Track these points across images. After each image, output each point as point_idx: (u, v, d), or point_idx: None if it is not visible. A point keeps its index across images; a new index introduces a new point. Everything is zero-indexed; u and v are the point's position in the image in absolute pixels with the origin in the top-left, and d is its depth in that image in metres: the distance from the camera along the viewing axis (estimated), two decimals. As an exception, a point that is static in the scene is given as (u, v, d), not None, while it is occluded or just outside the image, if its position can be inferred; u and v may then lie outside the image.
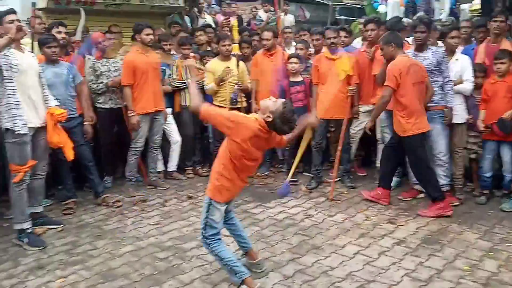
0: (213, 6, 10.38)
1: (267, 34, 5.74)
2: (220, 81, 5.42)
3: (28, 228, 4.00)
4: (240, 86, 5.55)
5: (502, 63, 4.59)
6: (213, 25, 8.34)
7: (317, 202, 4.93)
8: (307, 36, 6.47)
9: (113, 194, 5.14)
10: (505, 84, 4.61)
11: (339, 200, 4.98)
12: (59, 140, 4.10)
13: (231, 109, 5.35)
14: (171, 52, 5.91)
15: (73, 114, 4.69)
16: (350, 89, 5.20)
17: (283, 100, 3.06)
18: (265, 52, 5.76)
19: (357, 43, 6.33)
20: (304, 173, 5.83)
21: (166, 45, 5.81)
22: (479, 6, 12.12)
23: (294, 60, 5.50)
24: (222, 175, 3.07)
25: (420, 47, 4.70)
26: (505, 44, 4.92)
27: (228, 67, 5.40)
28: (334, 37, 5.32)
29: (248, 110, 5.53)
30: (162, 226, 4.38)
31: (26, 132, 3.84)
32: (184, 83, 5.71)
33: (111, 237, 4.14)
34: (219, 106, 5.48)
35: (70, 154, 4.22)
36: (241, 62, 5.64)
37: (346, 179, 5.43)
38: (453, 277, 3.31)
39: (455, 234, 4.03)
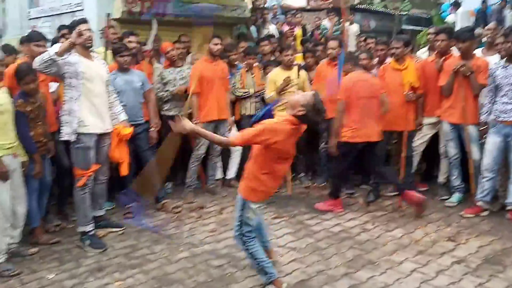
0: (278, 16, 10.46)
1: (333, 43, 5.72)
2: (281, 91, 5.47)
3: (90, 231, 4.20)
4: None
5: None
6: (277, 35, 8.42)
7: (374, 216, 4.83)
8: (371, 43, 6.37)
9: (173, 200, 5.29)
10: None
11: (399, 214, 4.86)
12: (120, 156, 4.35)
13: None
14: (235, 62, 6.04)
15: (139, 120, 4.93)
16: (407, 94, 5.08)
17: (311, 92, 3.18)
18: (330, 62, 5.74)
19: (422, 53, 6.15)
20: (362, 185, 5.72)
21: (231, 55, 5.94)
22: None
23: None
24: (257, 178, 3.16)
25: (510, 59, 4.51)
26: None
27: (289, 77, 5.43)
28: (397, 48, 5.21)
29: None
30: (218, 233, 4.45)
31: (84, 132, 4.01)
32: (247, 92, 5.82)
33: (168, 243, 4.25)
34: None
35: (124, 170, 4.42)
36: (302, 71, 5.66)
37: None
38: None
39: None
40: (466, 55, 4.91)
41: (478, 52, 5.28)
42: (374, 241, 4.21)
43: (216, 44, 5.33)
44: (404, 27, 14.95)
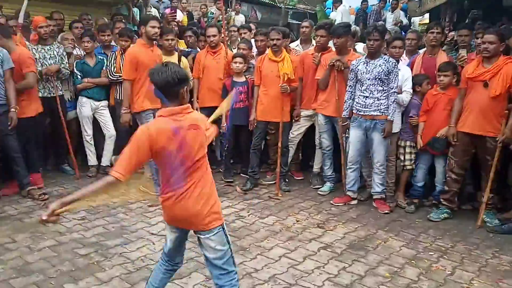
0: (163, 0, 10.18)
1: (212, 30, 5.68)
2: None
3: None
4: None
5: (445, 75, 4.64)
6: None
7: (250, 204, 4.93)
8: (247, 35, 6.44)
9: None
10: (446, 97, 4.65)
11: (274, 202, 5.01)
12: None
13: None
14: (111, 43, 5.73)
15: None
16: (281, 86, 5.14)
17: None
18: (209, 50, 5.70)
19: (295, 46, 6.31)
20: (241, 174, 5.81)
21: (104, 35, 5.62)
22: (428, 21, 12.69)
23: (239, 59, 5.45)
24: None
25: (373, 55, 4.70)
26: (442, 56, 5.05)
27: (169, 62, 5.27)
28: (278, 39, 5.26)
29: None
30: (88, 221, 4.25)
31: None
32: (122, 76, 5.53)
33: (32, 231, 3.97)
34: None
35: None
36: (183, 58, 5.55)
37: (282, 182, 5.46)
38: (373, 284, 3.36)
39: (381, 241, 4.11)
40: (342, 50, 5.09)
41: (360, 48, 5.54)
42: (248, 228, 4.29)
43: (153, 27, 4.85)
44: (290, 21, 15.51)
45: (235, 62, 5.46)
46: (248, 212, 4.70)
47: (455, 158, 4.54)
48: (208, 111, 5.68)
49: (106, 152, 5.65)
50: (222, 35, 5.85)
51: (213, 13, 10.73)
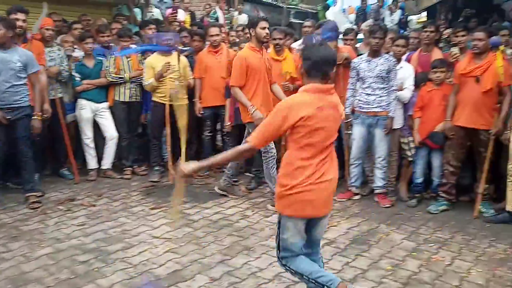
0: (165, 0, 10.12)
1: (214, 30, 5.63)
2: (160, 77, 5.23)
3: None
4: (181, 82, 5.39)
5: (441, 71, 4.70)
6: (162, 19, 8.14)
7: (255, 203, 4.84)
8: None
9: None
10: (440, 93, 4.72)
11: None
12: None
13: (171, 106, 5.21)
14: (110, 44, 5.67)
15: (16, 104, 4.44)
16: (284, 84, 5.11)
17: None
18: (210, 49, 5.64)
19: (298, 45, 6.26)
20: (245, 173, 5.73)
21: (103, 36, 5.56)
22: (425, 19, 12.75)
23: None
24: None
25: (375, 53, 4.74)
26: (436, 53, 5.14)
27: (169, 62, 5.22)
28: (280, 38, 5.23)
29: (190, 107, 5.39)
30: (87, 227, 4.15)
31: None
32: (122, 77, 5.48)
33: (28, 239, 3.87)
34: (159, 103, 5.34)
35: None
36: (183, 57, 5.47)
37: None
38: (376, 277, 3.34)
39: (383, 235, 4.09)
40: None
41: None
42: (252, 227, 4.21)
43: (263, 28, 4.50)
44: (292, 20, 15.46)
45: None
46: (252, 211, 4.61)
47: (452, 151, 4.64)
48: (211, 110, 5.71)
49: (107, 155, 5.57)
50: (223, 35, 5.78)
51: (216, 12, 10.68)
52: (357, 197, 5.02)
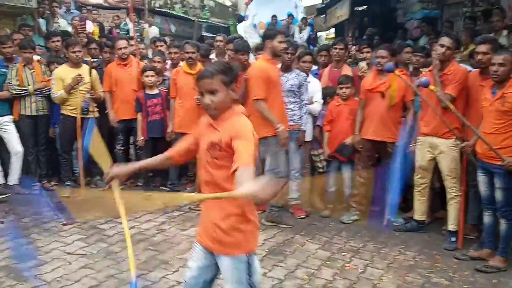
0: (72, 11, 9.78)
1: (121, 43, 5.61)
2: (71, 89, 5.10)
3: None
4: (93, 95, 5.30)
5: (346, 87, 4.96)
6: (69, 30, 7.87)
7: (171, 216, 4.85)
8: (164, 47, 6.43)
9: None
10: (348, 107, 4.97)
11: (194, 213, 4.98)
12: None
13: (82, 119, 5.09)
14: (13, 55, 5.40)
15: None
16: (197, 97, 5.07)
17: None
18: (119, 62, 5.61)
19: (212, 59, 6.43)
20: (161, 187, 5.71)
21: (5, 47, 5.28)
22: (333, 35, 13.49)
23: (150, 73, 5.42)
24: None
25: (286, 68, 4.86)
26: (346, 69, 5.42)
27: (80, 75, 5.10)
28: (193, 52, 5.32)
29: (100, 121, 5.29)
30: (-4, 245, 3.93)
31: None
32: (26, 90, 5.26)
33: None
34: (69, 116, 5.19)
35: None
36: (93, 70, 5.37)
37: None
38: (293, 286, 3.44)
39: (298, 245, 4.23)
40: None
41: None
42: (169, 241, 4.23)
43: (281, 42, 4.41)
44: (204, 33, 15.60)
45: (147, 76, 5.41)
46: (169, 225, 4.63)
47: (361, 163, 4.83)
48: (124, 123, 5.64)
49: (13, 170, 5.28)
50: (134, 47, 5.77)
51: (127, 24, 10.51)
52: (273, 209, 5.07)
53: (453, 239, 4.23)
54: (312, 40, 13.94)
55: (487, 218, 3.95)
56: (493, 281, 3.64)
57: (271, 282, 3.51)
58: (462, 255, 4.02)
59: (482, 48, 3.99)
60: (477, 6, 8.35)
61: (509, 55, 3.67)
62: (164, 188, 5.59)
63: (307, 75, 5.11)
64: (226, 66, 2.19)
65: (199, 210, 4.91)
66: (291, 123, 4.81)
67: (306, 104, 4.91)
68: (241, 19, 14.98)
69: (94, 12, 9.78)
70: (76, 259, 3.73)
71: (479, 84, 4.06)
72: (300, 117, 4.86)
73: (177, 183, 5.51)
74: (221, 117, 2.16)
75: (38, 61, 5.49)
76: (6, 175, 5.34)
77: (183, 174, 5.86)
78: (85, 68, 5.23)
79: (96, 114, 5.36)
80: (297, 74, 4.88)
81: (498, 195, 3.74)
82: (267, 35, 4.51)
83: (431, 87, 3.96)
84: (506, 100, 3.62)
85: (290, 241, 4.33)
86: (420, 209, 4.55)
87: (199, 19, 16.36)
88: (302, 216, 4.95)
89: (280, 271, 3.69)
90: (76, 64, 5.26)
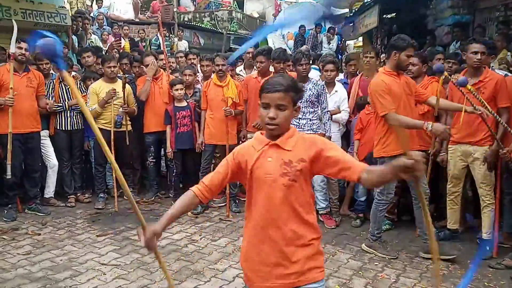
0: (104, 27, 10.10)
1: (148, 60, 5.77)
2: (105, 103, 5.26)
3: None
4: (126, 109, 5.44)
5: None
6: (101, 46, 8.13)
7: (202, 227, 4.92)
8: (196, 60, 6.54)
9: None
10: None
11: (225, 224, 5.03)
12: None
13: (116, 132, 5.24)
14: (50, 71, 5.62)
15: None
16: (224, 109, 5.23)
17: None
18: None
19: (239, 71, 6.49)
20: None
21: (42, 64, 5.49)
22: (361, 43, 13.36)
23: (179, 86, 5.52)
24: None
25: (304, 79, 4.89)
26: None
27: (114, 89, 5.27)
28: (223, 65, 5.39)
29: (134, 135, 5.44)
30: (33, 256, 4.07)
31: None
32: (61, 106, 5.46)
33: (-31, 270, 3.74)
34: (103, 129, 5.33)
35: None
36: (127, 85, 5.53)
37: (232, 203, 5.49)
38: None
39: (329, 255, 4.21)
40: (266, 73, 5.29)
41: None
42: (200, 251, 4.28)
43: (408, 56, 4.08)
44: (233, 45, 15.77)
45: (176, 90, 5.51)
46: (200, 235, 4.68)
47: None
48: (155, 136, 5.75)
49: (49, 183, 5.47)
50: (164, 61, 5.90)
51: (158, 39, 10.75)
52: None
53: (488, 247, 4.13)
54: (341, 49, 13.89)
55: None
56: (531, 291, 3.52)
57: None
58: (497, 264, 3.95)
59: None
60: (511, 10, 8.14)
61: None
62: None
63: (333, 84, 5.14)
64: (296, 84, 2.02)
65: (230, 221, 5.04)
66: (310, 132, 4.84)
67: (327, 112, 4.95)
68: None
69: (125, 28, 10.05)
70: (110, 270, 3.81)
71: None
72: (318, 126, 4.91)
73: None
74: (284, 136, 1.98)
75: (73, 77, 5.68)
76: (42, 188, 5.51)
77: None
78: (119, 83, 5.40)
79: (129, 128, 5.50)
80: (314, 84, 4.93)
81: None
82: (396, 46, 4.04)
83: (469, 86, 3.86)
84: None
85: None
86: (452, 218, 4.49)
87: (228, 32, 16.55)
88: (333, 226, 4.93)
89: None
90: (111, 79, 5.43)
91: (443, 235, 4.54)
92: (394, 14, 13.22)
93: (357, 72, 5.89)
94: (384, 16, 12.70)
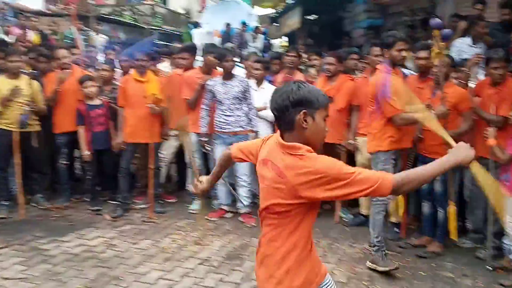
0: (8, 18, 9.26)
1: (62, 52, 5.36)
2: (7, 101, 4.76)
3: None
4: (32, 108, 4.96)
5: None
6: (7, 39, 7.43)
7: (122, 231, 4.63)
8: (113, 55, 6.20)
9: None
10: None
11: (148, 225, 4.80)
12: None
13: (21, 133, 4.77)
14: None
15: None
16: (150, 106, 4.96)
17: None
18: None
19: (164, 67, 6.26)
20: (109, 201, 5.41)
21: None
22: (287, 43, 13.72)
23: (89, 83, 5.17)
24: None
25: (229, 76, 4.91)
26: (298, 76, 5.51)
27: (17, 86, 4.78)
28: (144, 60, 5.09)
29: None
30: None
31: None
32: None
33: None
34: (4, 130, 4.84)
35: None
36: (34, 82, 5.05)
37: (156, 204, 5.21)
38: None
39: (254, 248, 4.15)
40: (208, 69, 5.25)
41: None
42: (120, 256, 4.03)
43: (400, 50, 3.84)
44: (156, 41, 15.32)
45: (86, 87, 5.14)
46: (119, 239, 4.40)
47: None
48: (67, 136, 5.31)
49: None
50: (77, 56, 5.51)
51: (72, 32, 10.10)
52: (229, 214, 5.08)
53: (397, 229, 4.52)
54: (266, 47, 14.06)
55: (426, 208, 4.27)
56: (432, 264, 3.95)
57: (228, 286, 3.52)
58: (405, 243, 4.34)
59: (422, 54, 4.15)
60: (416, 15, 8.81)
61: None
62: (112, 202, 5.31)
63: (260, 81, 5.25)
64: None
65: (153, 222, 4.79)
66: (239, 128, 4.89)
67: (253, 108, 4.97)
68: (197, 26, 14.90)
69: (33, 19, 9.27)
70: (15, 284, 3.44)
71: (417, 87, 4.20)
72: (247, 122, 4.93)
73: (128, 195, 5.25)
74: None
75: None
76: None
77: (132, 186, 5.57)
78: (24, 79, 4.90)
79: (37, 128, 5.03)
80: (240, 81, 4.94)
81: (437, 187, 4.06)
82: (386, 44, 3.91)
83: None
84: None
85: (247, 245, 4.34)
86: (365, 204, 4.76)
87: (151, 27, 16.07)
88: (253, 224, 4.80)
89: (237, 275, 3.74)
90: (14, 75, 4.92)
91: (359, 220, 4.87)
92: (315, 16, 13.63)
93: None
94: (306, 17, 13.06)
